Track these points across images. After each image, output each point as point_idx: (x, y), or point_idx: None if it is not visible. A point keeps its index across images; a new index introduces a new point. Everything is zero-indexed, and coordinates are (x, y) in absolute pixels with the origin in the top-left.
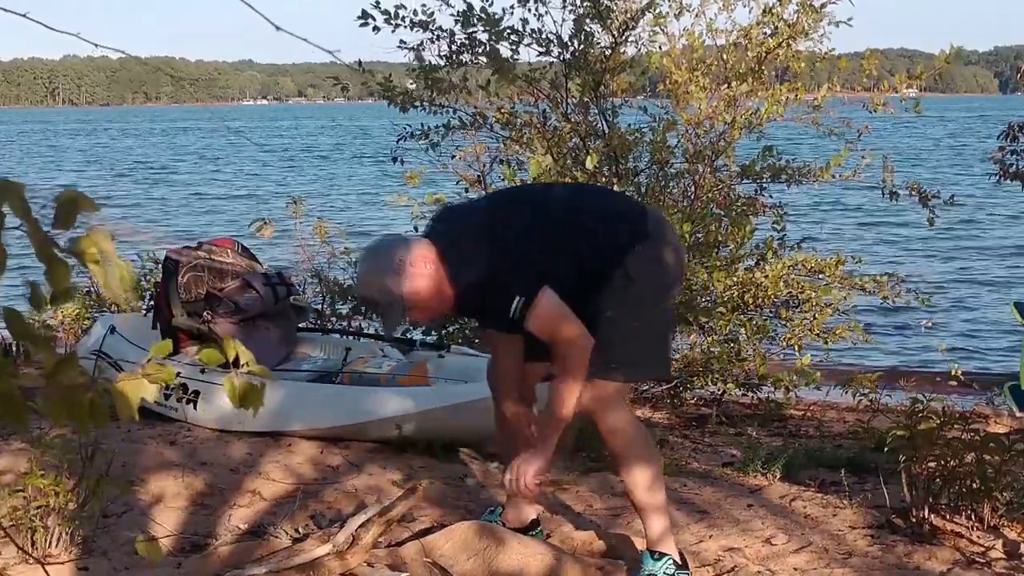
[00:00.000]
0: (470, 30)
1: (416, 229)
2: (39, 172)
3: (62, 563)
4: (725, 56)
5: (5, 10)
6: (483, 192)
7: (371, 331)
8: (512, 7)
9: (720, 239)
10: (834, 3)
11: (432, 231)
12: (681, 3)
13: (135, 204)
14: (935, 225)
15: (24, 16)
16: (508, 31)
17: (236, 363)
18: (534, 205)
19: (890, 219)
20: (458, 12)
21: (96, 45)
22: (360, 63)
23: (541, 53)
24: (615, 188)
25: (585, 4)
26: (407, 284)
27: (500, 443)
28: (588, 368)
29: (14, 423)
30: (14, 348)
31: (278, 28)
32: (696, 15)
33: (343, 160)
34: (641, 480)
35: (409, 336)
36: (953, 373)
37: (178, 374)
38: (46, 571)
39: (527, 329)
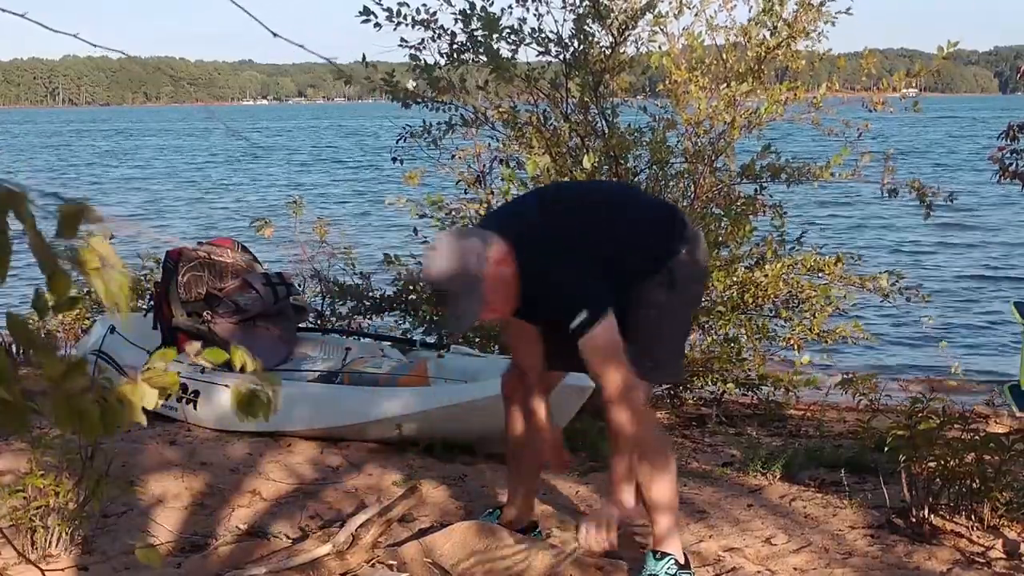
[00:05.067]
0: (471, 28)
1: (415, 231)
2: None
3: (62, 564)
4: (725, 56)
5: (3, 10)
6: (482, 192)
7: (371, 331)
8: (511, 7)
9: (720, 239)
10: (833, 0)
11: (502, 228)
12: (681, 2)
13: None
14: (931, 220)
15: (23, 16)
16: (507, 31)
17: (243, 369)
18: (596, 208)
19: (889, 219)
20: (459, 11)
21: (95, 45)
22: (364, 57)
23: (541, 53)
24: None
25: (585, 4)
26: (490, 283)
27: (509, 454)
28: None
29: (16, 427)
30: (15, 348)
31: (275, 35)
32: (696, 14)
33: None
34: (655, 478)
35: (409, 336)
36: (953, 370)
37: (178, 374)
38: (43, 573)
39: (580, 345)
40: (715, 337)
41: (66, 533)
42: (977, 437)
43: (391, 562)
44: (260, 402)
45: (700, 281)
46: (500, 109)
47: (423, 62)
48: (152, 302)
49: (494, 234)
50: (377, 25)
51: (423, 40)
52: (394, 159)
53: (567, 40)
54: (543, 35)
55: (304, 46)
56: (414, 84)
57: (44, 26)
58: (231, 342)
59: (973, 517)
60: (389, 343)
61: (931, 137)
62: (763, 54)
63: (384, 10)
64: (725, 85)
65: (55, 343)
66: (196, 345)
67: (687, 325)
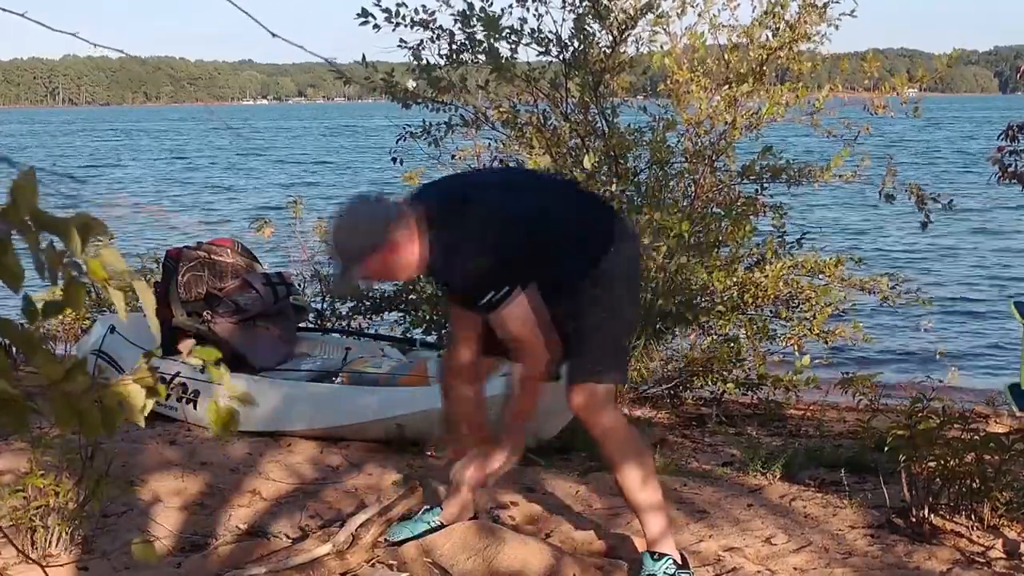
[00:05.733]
0: (470, 29)
1: None
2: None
3: (62, 563)
4: (727, 56)
5: (3, 10)
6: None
7: (371, 331)
8: (511, 6)
9: (720, 239)
10: (836, 2)
11: (425, 198)
12: (684, 1)
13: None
14: (933, 222)
15: (23, 16)
16: (507, 31)
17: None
18: (524, 194)
19: (894, 221)
20: (458, 12)
21: (95, 45)
22: (364, 58)
23: (541, 53)
24: (614, 187)
25: (585, 3)
26: (377, 259)
27: (444, 430)
28: (550, 370)
29: (16, 427)
30: (14, 348)
31: (274, 35)
32: (699, 14)
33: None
34: (636, 481)
35: (409, 336)
36: (952, 374)
37: (178, 374)
38: (45, 572)
39: (492, 318)
40: (715, 337)
41: (66, 533)
42: (977, 437)
43: (391, 562)
44: (234, 422)
45: (637, 273)
46: (500, 109)
47: (425, 61)
48: None
49: (408, 208)
50: (376, 27)
51: (422, 41)
52: (394, 159)
53: (567, 40)
54: (543, 35)
55: (304, 47)
56: (414, 84)
57: (44, 25)
58: (231, 342)
59: (973, 517)
60: (389, 343)
61: (932, 137)
62: (765, 56)
63: (383, 11)
64: (726, 86)
65: (52, 338)
66: (190, 342)
67: (632, 322)
